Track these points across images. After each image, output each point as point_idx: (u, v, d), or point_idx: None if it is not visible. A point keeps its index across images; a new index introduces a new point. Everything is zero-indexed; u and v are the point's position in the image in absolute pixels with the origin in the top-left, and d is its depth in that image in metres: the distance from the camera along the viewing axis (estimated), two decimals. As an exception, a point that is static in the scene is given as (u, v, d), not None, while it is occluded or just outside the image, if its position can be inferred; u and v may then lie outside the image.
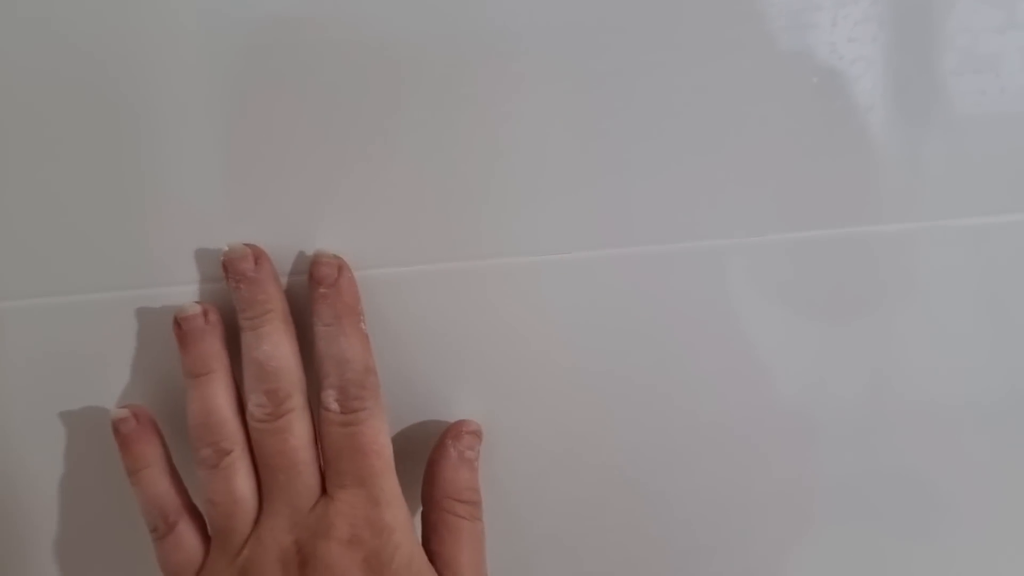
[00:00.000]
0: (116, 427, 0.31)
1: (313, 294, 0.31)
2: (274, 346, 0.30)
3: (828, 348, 0.34)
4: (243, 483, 0.30)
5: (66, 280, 0.31)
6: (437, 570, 0.31)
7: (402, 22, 0.29)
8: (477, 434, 0.33)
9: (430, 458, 0.33)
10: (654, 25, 0.30)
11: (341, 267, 0.31)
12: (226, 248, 0.31)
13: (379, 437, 0.30)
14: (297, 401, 0.30)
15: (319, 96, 0.30)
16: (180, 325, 0.30)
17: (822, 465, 0.35)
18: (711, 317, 0.33)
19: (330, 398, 0.30)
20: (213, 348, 0.31)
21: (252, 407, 0.30)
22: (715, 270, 0.33)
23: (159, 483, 0.31)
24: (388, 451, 0.30)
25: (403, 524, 0.30)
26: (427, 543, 0.31)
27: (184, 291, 0.32)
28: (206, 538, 0.31)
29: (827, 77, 0.31)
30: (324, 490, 0.30)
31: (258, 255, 0.31)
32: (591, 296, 0.33)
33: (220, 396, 0.30)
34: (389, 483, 0.30)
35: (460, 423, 0.33)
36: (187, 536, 0.31)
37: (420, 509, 0.33)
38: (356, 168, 0.31)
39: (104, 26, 0.29)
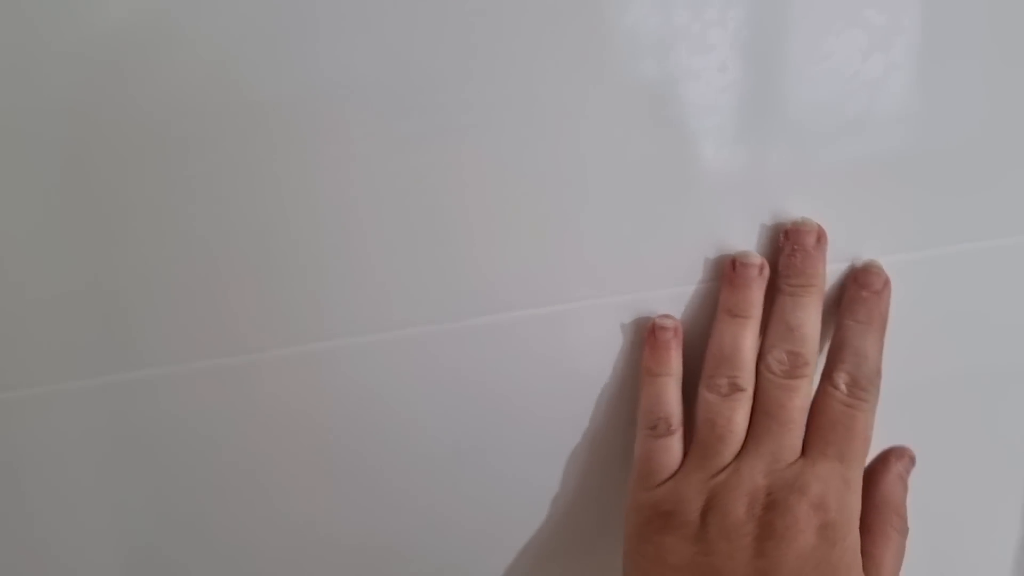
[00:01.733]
0: (654, 330, 0.35)
1: (854, 294, 0.35)
2: (807, 316, 0.34)
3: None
4: (742, 419, 0.34)
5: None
6: (864, 567, 0.33)
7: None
8: (913, 461, 0.36)
9: (873, 468, 0.35)
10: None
11: (887, 282, 0.35)
12: (799, 219, 0.34)
13: (869, 430, 0.33)
14: (810, 370, 0.34)
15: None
16: (735, 268, 0.34)
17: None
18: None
19: (841, 380, 0.34)
20: (756, 297, 0.34)
21: (771, 360, 0.34)
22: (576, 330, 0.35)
23: (673, 392, 0.35)
24: (869, 445, 0.34)
25: (856, 513, 0.33)
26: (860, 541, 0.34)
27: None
28: (684, 453, 0.35)
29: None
30: (803, 453, 0.34)
31: (821, 235, 0.34)
32: None
33: (749, 339, 0.34)
34: (859, 472, 0.33)
35: (903, 448, 0.36)
36: (677, 445, 0.35)
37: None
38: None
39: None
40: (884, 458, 0.36)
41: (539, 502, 0.38)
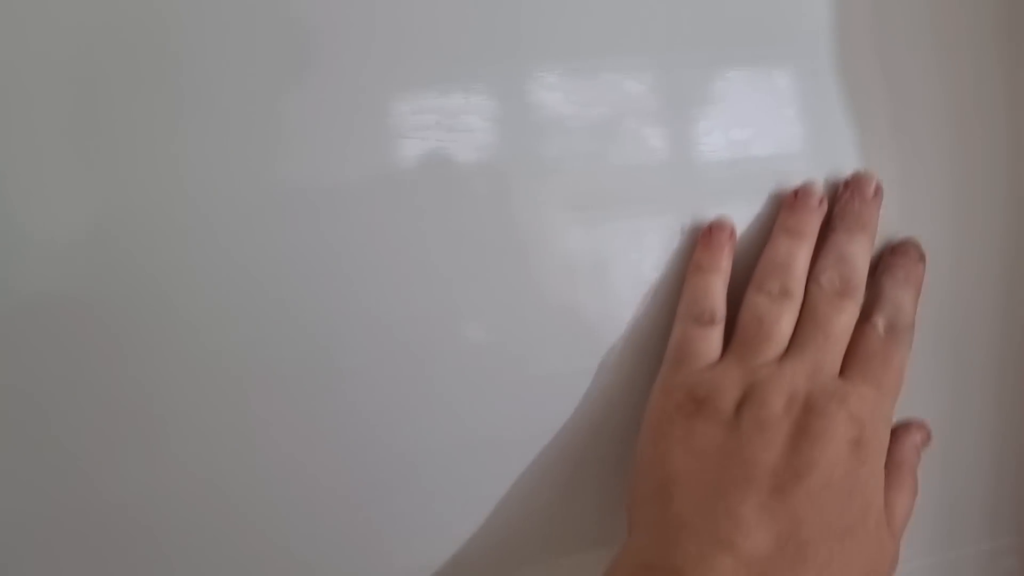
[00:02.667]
0: (711, 229, 0.35)
1: (892, 260, 0.36)
2: (859, 251, 0.34)
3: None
4: (788, 324, 0.33)
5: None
6: None
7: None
8: (930, 438, 0.36)
9: (893, 430, 0.34)
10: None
11: (923, 255, 0.36)
12: (861, 170, 0.36)
13: (903, 371, 0.34)
14: (857, 299, 0.34)
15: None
16: (797, 196, 0.35)
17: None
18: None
19: (880, 323, 0.34)
20: (814, 222, 0.35)
21: (823, 279, 0.34)
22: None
23: (720, 288, 0.34)
24: (901, 387, 0.33)
25: (885, 445, 0.32)
26: None
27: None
28: (721, 349, 0.34)
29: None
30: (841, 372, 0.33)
31: (878, 188, 0.36)
32: None
33: (803, 256, 0.34)
34: (892, 408, 0.33)
35: (923, 423, 0.36)
36: (717, 337, 0.34)
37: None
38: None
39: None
40: (906, 426, 0.35)
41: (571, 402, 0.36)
